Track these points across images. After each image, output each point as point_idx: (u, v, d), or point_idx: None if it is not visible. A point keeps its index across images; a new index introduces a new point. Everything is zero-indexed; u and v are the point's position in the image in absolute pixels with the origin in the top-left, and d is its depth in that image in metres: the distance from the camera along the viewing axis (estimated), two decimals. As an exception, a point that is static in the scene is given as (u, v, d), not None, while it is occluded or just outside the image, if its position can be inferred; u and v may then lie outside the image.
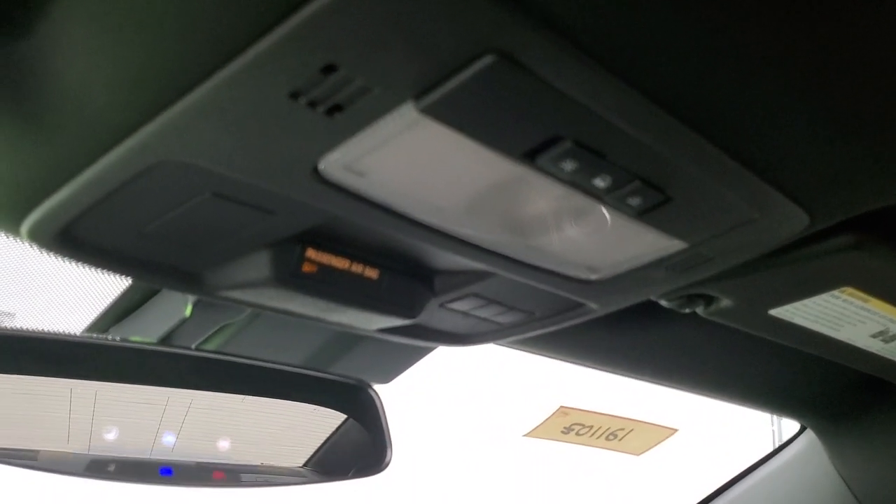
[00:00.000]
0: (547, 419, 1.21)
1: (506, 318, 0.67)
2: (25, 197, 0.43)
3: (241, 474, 0.65)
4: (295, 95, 0.34)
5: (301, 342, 0.83)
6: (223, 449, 0.66)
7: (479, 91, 0.35)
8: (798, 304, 0.77)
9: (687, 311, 0.77)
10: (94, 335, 0.76)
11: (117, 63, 0.34)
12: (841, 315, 0.80)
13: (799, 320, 0.80)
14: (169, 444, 0.63)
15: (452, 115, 0.36)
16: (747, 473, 1.44)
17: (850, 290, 0.74)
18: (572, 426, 1.23)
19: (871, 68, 0.40)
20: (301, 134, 0.37)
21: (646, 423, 1.29)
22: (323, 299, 0.55)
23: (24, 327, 0.74)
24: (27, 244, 0.48)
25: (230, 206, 0.45)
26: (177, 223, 0.46)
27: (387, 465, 0.71)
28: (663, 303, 0.76)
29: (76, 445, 0.61)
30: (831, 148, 0.46)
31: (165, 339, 0.73)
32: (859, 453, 1.36)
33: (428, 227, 0.48)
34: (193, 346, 0.74)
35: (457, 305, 0.64)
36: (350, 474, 0.69)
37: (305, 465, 0.69)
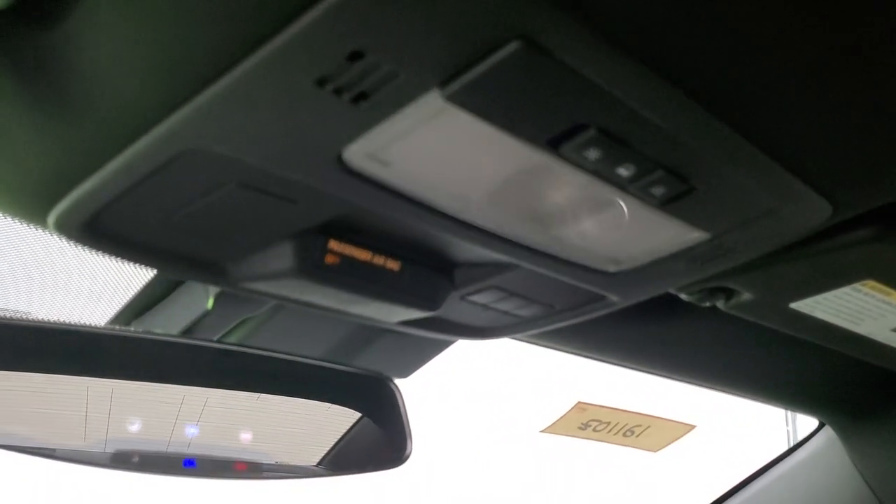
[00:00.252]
0: (564, 415, 1.21)
1: (526, 311, 0.67)
2: (53, 187, 0.44)
3: (263, 465, 0.66)
4: (321, 83, 0.35)
5: (320, 336, 0.84)
6: (245, 440, 0.66)
7: (505, 78, 0.35)
8: (819, 298, 0.76)
9: (707, 304, 0.77)
10: (117, 327, 0.77)
11: (147, 51, 0.34)
12: (862, 309, 0.79)
13: (819, 314, 0.80)
14: (191, 436, 0.64)
15: (478, 102, 0.37)
16: (765, 471, 1.43)
17: (871, 283, 0.73)
18: (589, 422, 1.23)
19: None
20: (326, 122, 0.37)
21: (664, 419, 1.29)
22: (345, 291, 0.55)
23: (49, 319, 0.75)
24: (53, 235, 0.48)
25: (255, 195, 0.45)
26: (202, 214, 0.47)
27: (407, 457, 0.71)
28: (683, 296, 0.76)
29: (100, 437, 0.62)
30: (856, 137, 0.46)
31: (187, 333, 0.74)
32: (878, 450, 1.35)
33: (451, 217, 0.48)
34: (215, 339, 0.74)
35: (477, 298, 0.65)
36: (371, 467, 0.70)
37: (326, 456, 0.69)
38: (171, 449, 0.63)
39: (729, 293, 0.76)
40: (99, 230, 0.47)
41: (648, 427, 1.29)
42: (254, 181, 0.44)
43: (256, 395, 0.69)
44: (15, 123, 0.40)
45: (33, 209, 0.46)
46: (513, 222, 0.50)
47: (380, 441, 0.72)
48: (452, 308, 0.65)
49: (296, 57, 0.33)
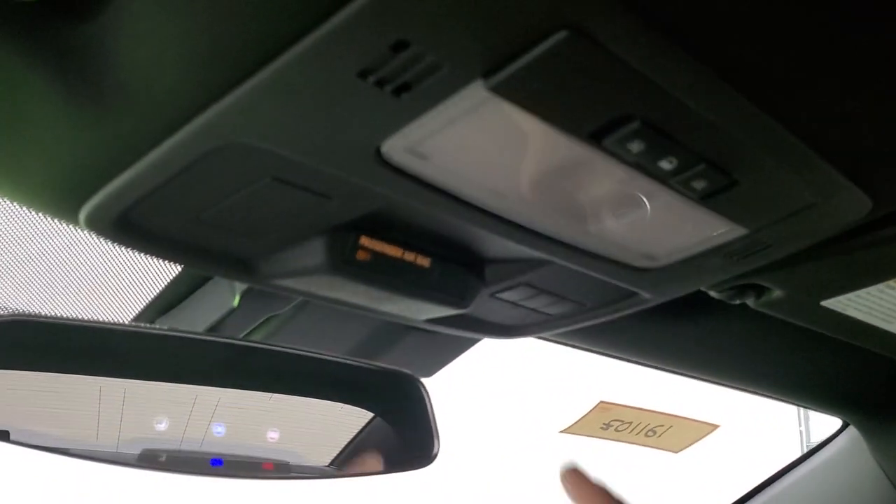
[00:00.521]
0: (586, 415, 1.20)
1: (556, 309, 0.66)
2: (86, 182, 0.43)
3: (291, 465, 0.65)
4: (364, 74, 0.34)
5: (343, 335, 0.83)
6: (272, 439, 0.65)
7: (551, 68, 0.34)
8: (851, 296, 0.75)
9: (737, 302, 0.76)
10: (142, 325, 0.76)
11: (186, 43, 0.34)
12: (895, 307, 0.78)
13: (851, 312, 0.79)
14: (218, 435, 0.63)
15: (522, 93, 0.36)
16: (788, 471, 1.41)
17: (905, 280, 0.72)
18: (611, 422, 1.22)
19: None
20: (367, 114, 0.37)
21: (686, 419, 1.27)
22: (375, 288, 0.55)
23: (75, 316, 0.75)
24: (84, 231, 0.48)
25: (289, 191, 0.44)
26: (234, 209, 0.46)
27: (435, 457, 0.70)
28: (713, 294, 0.75)
29: (128, 437, 0.61)
30: None
31: (211, 331, 0.73)
32: (904, 451, 1.33)
33: (487, 212, 0.47)
34: (241, 337, 0.74)
35: (507, 295, 0.64)
36: (398, 467, 0.69)
37: (354, 456, 0.69)
38: (199, 448, 0.63)
39: (759, 291, 0.75)
40: (130, 226, 0.46)
41: (671, 427, 1.27)
42: (289, 176, 0.43)
43: (282, 393, 0.68)
44: (50, 118, 0.40)
45: (65, 205, 0.45)
46: (549, 217, 0.49)
47: (407, 441, 0.71)
48: (481, 306, 0.65)
49: (340, 47, 0.32)
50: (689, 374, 1.14)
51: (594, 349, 0.99)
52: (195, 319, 0.74)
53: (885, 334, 0.84)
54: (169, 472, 0.61)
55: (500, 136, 0.40)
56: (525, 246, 0.52)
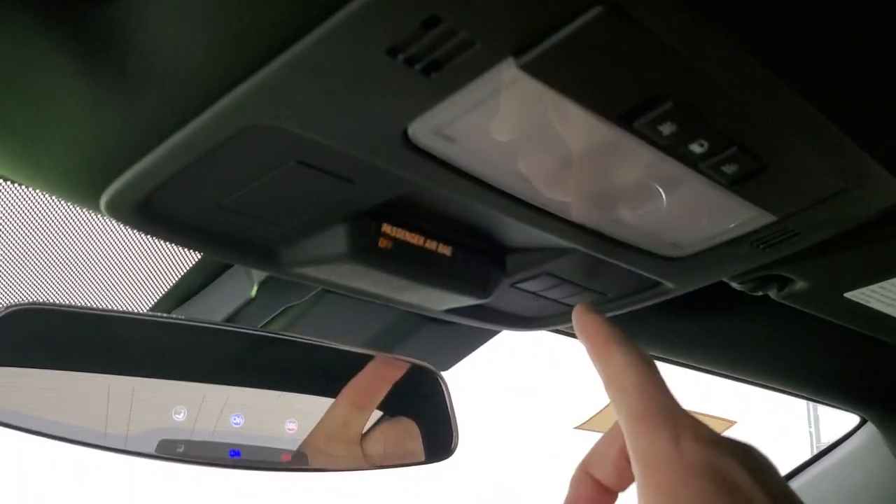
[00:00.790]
0: (601, 410, 1.19)
1: (577, 300, 0.65)
2: (108, 167, 0.43)
3: (308, 457, 0.65)
4: (393, 52, 0.33)
5: (361, 326, 0.83)
6: (290, 431, 0.65)
7: (585, 46, 0.33)
8: (875, 287, 0.74)
9: (759, 293, 0.75)
10: (159, 314, 0.76)
11: (213, 22, 0.33)
12: (919, 299, 0.77)
13: (875, 304, 0.78)
14: (236, 426, 0.63)
15: (554, 72, 0.35)
16: (806, 466, 1.40)
17: (933, 272, 0.71)
18: (627, 417, 1.20)
19: None
20: (395, 94, 0.36)
21: (703, 414, 1.26)
22: (396, 276, 0.54)
23: (93, 305, 0.74)
24: (104, 218, 0.47)
25: (312, 175, 0.44)
26: (257, 195, 0.46)
27: (454, 450, 0.70)
28: (735, 285, 0.74)
29: (145, 426, 0.61)
30: None
31: (229, 321, 0.73)
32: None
33: (514, 198, 0.46)
34: (258, 327, 0.73)
35: (528, 285, 0.63)
36: (417, 459, 0.68)
37: (373, 448, 0.68)
38: (216, 439, 0.62)
39: (782, 282, 0.74)
40: (151, 212, 0.46)
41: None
42: (313, 159, 0.42)
43: (300, 384, 0.68)
44: (72, 101, 0.39)
45: (86, 190, 0.45)
46: (574, 203, 0.48)
47: (426, 434, 0.70)
48: (501, 296, 0.64)
49: (369, 24, 0.31)
50: (704, 368, 1.13)
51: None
52: (212, 309, 0.74)
53: (908, 327, 0.83)
54: (187, 463, 0.61)
55: (528, 118, 0.39)
56: (551, 233, 0.51)
